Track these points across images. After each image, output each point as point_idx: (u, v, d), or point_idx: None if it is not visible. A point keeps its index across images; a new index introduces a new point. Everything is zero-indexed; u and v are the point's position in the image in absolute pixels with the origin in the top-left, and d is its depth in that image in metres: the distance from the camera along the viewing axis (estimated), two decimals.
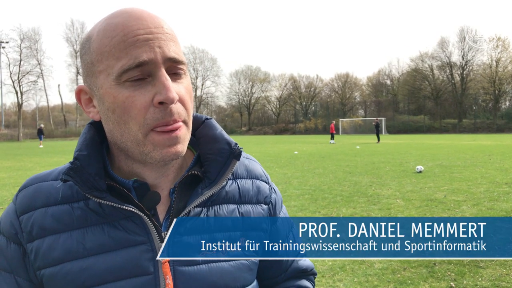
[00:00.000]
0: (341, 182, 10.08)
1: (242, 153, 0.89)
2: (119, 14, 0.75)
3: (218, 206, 0.85)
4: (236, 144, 0.87)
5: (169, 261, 0.78)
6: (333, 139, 33.09)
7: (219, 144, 0.87)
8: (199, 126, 0.90)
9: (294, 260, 1.00)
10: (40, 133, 35.87)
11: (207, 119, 0.92)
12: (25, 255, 0.79)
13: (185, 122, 0.77)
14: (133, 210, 0.77)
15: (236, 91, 75.40)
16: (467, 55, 57.78)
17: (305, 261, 1.03)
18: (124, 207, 0.76)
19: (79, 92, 0.81)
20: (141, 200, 0.80)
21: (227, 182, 0.88)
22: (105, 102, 0.74)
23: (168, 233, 0.78)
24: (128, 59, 0.71)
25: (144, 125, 0.73)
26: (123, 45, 0.71)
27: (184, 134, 0.77)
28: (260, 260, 0.92)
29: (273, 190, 0.97)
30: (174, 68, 0.75)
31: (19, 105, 61.44)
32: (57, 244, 0.77)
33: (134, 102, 0.72)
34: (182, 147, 0.76)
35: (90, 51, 0.76)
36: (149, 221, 0.78)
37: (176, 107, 0.74)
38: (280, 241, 0.95)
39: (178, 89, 0.75)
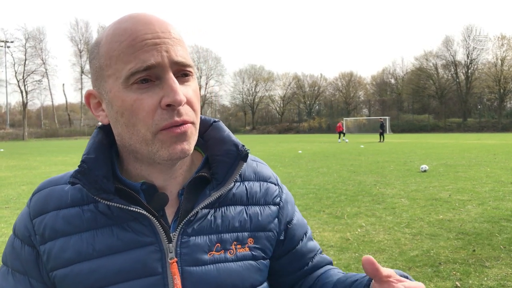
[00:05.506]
0: (346, 181, 10.07)
1: (249, 155, 0.90)
2: (127, 19, 0.76)
3: (225, 207, 0.86)
4: (243, 145, 0.88)
5: (177, 261, 0.78)
6: (340, 137, 33.26)
7: (226, 146, 0.88)
8: (207, 128, 0.91)
9: (316, 254, 1.01)
10: None
11: (215, 121, 0.93)
12: (38, 257, 0.81)
13: (193, 123, 0.78)
14: (141, 211, 0.77)
15: (240, 90, 75.53)
16: (472, 53, 57.58)
17: (325, 255, 1.05)
18: (131, 208, 0.77)
19: (88, 96, 0.82)
20: (149, 202, 0.81)
21: (234, 184, 0.89)
22: (114, 105, 0.75)
23: (177, 234, 0.79)
24: (136, 62, 0.72)
25: (153, 125, 0.73)
26: (131, 50, 0.72)
27: (191, 133, 0.78)
28: (279, 258, 0.94)
29: (282, 191, 0.97)
30: (181, 71, 0.76)
31: (24, 105, 61.81)
32: (68, 246, 0.79)
33: (142, 105, 0.73)
34: (189, 145, 0.77)
35: (99, 55, 0.77)
36: (157, 222, 0.79)
37: (184, 109, 0.75)
38: (298, 237, 0.97)
39: (185, 91, 0.76)
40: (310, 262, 0.99)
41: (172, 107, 0.73)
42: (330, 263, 1.04)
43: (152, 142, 0.75)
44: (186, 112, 0.75)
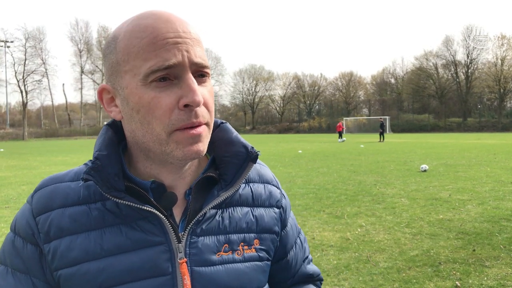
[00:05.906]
0: (346, 181, 10.07)
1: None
2: (147, 16, 0.75)
3: (232, 208, 0.86)
4: (253, 147, 0.88)
5: (186, 262, 0.78)
6: (341, 137, 33.34)
7: (236, 147, 0.87)
8: (215, 129, 0.91)
9: (302, 265, 1.02)
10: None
11: (222, 123, 0.93)
12: (41, 256, 0.79)
13: (207, 124, 0.78)
14: (151, 210, 0.77)
15: (240, 90, 75.49)
16: (472, 53, 57.54)
17: (312, 266, 1.05)
18: (142, 207, 0.76)
19: (101, 91, 0.81)
20: (158, 201, 0.80)
21: (240, 185, 0.88)
22: (130, 102, 0.75)
23: (186, 234, 0.79)
24: (157, 60, 0.71)
25: (169, 125, 0.73)
26: (152, 47, 0.72)
27: (206, 134, 0.78)
28: (271, 265, 0.94)
29: (283, 195, 0.98)
30: (199, 71, 0.76)
31: (24, 104, 61.81)
32: (75, 245, 0.77)
33: (159, 103, 0.72)
34: (203, 146, 0.77)
35: (116, 50, 0.76)
36: (167, 222, 0.79)
37: (201, 110, 0.75)
38: (290, 245, 0.98)
39: (202, 92, 0.76)
40: (296, 273, 1.00)
41: (190, 107, 0.73)
42: (312, 277, 1.04)
43: (167, 143, 0.74)
44: (202, 114, 0.75)
